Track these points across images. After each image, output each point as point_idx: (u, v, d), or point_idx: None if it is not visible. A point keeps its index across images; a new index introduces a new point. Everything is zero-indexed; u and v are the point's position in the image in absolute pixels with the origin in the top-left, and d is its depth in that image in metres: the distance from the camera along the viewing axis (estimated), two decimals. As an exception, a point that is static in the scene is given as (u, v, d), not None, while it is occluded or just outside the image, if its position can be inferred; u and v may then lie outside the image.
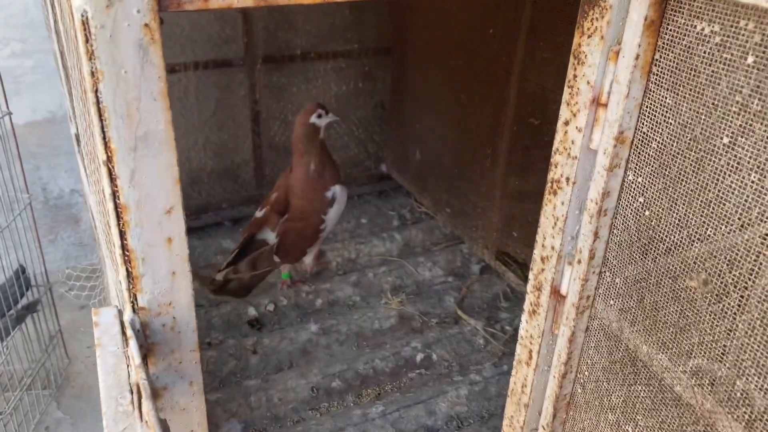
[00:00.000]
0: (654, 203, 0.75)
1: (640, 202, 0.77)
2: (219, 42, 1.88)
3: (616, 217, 0.81)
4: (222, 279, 1.65)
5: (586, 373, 0.92)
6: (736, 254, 0.65)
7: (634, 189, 0.77)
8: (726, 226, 0.66)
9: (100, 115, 0.53)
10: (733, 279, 0.66)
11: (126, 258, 0.60)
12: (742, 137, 0.63)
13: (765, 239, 0.62)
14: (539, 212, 0.90)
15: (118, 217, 0.58)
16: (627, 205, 0.79)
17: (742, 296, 0.65)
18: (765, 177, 0.61)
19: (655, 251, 0.75)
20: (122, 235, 0.59)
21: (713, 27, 0.64)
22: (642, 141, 0.75)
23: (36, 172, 1.87)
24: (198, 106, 1.93)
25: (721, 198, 0.66)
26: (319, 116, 1.63)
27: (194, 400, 0.72)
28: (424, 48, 2.00)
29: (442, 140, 1.99)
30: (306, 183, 1.69)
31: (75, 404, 1.64)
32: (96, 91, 0.52)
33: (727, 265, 0.66)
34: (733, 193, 0.64)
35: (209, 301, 1.79)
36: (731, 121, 0.63)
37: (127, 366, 0.66)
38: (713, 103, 0.65)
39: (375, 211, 2.16)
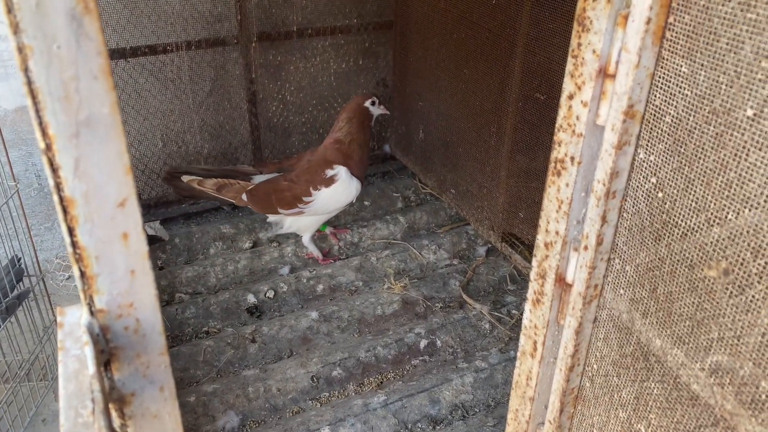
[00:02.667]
0: (668, 184, 0.67)
1: (653, 183, 0.70)
2: (211, 20, 1.80)
3: (625, 200, 0.74)
4: (185, 181, 1.69)
5: (595, 366, 0.86)
6: (761, 240, 0.58)
7: (645, 168, 0.70)
8: (749, 209, 0.59)
9: (34, 98, 0.47)
10: (757, 268, 0.59)
11: (77, 256, 0.55)
12: (767, 108, 0.55)
13: (794, 224, 0.55)
14: (544, 193, 0.83)
15: (65, 211, 0.52)
16: (638, 187, 0.72)
17: (767, 287, 0.58)
18: (795, 154, 0.53)
19: (669, 237, 0.68)
20: (71, 231, 0.53)
21: (736, -17, 0.56)
22: (654, 115, 0.68)
23: (28, 158, 1.82)
24: (192, 87, 1.87)
25: (744, 177, 0.58)
26: (373, 104, 1.70)
27: (166, 405, 0.67)
28: (426, 22, 1.91)
29: (446, 118, 1.91)
30: (320, 153, 1.70)
31: (74, 395, 1.61)
32: (26, 69, 0.46)
33: (751, 252, 0.59)
34: (757, 172, 0.57)
35: (207, 289, 1.75)
36: (756, 91, 0.56)
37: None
38: (735, 71, 0.58)
39: (378, 192, 2.10)
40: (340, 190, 1.65)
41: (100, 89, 0.49)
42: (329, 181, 1.64)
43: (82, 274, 0.56)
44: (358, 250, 1.90)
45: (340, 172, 1.65)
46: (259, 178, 1.72)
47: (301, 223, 1.74)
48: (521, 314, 1.57)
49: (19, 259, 1.47)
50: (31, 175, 1.87)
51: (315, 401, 1.41)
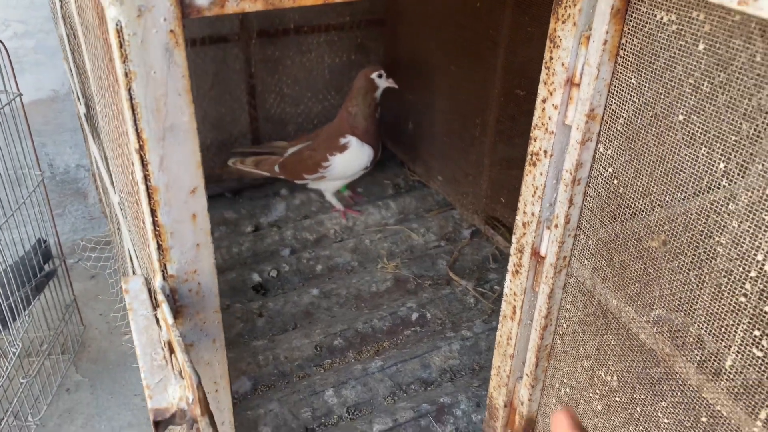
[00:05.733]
0: (621, 173, 0.83)
1: (610, 172, 0.86)
2: (214, 18, 1.92)
3: (588, 186, 0.90)
4: (231, 165, 1.99)
5: (564, 325, 1.02)
6: (690, 218, 0.74)
7: (604, 160, 0.86)
8: (681, 194, 0.75)
9: (133, 110, 0.61)
10: (687, 239, 0.75)
11: (156, 233, 0.69)
12: (694, 115, 0.71)
13: (713, 205, 0.71)
14: (523, 180, 0.99)
15: (150, 197, 0.67)
16: (598, 175, 0.88)
17: (695, 254, 0.75)
18: (713, 151, 0.70)
19: (622, 216, 0.85)
20: (153, 213, 0.68)
21: (671, 16, 0.72)
22: (611, 117, 0.83)
23: (42, 148, 1.94)
24: (195, 81, 1.98)
25: (678, 169, 0.74)
26: (380, 76, 1.84)
27: (217, 355, 0.82)
28: (415, 19, 2.05)
29: (434, 110, 2.06)
30: (335, 124, 1.91)
31: (92, 367, 1.75)
32: (129, 89, 0.60)
33: (683, 227, 0.75)
34: (687, 165, 0.73)
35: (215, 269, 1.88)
36: (685, 101, 0.72)
37: (159, 326, 0.75)
38: (671, 84, 0.74)
39: (370, 180, 2.24)
40: (353, 156, 1.88)
41: (182, 103, 0.63)
42: (342, 148, 1.87)
43: (159, 247, 0.71)
44: (352, 234, 2.05)
45: (351, 140, 1.88)
46: (290, 150, 1.98)
47: (323, 185, 2.00)
48: (502, 288, 1.74)
49: (45, 241, 1.59)
50: (44, 164, 1.98)
51: (319, 367, 1.56)
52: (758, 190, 0.65)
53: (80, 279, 2.01)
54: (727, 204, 0.69)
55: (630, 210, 0.83)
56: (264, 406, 1.42)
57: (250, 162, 2.00)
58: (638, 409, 0.87)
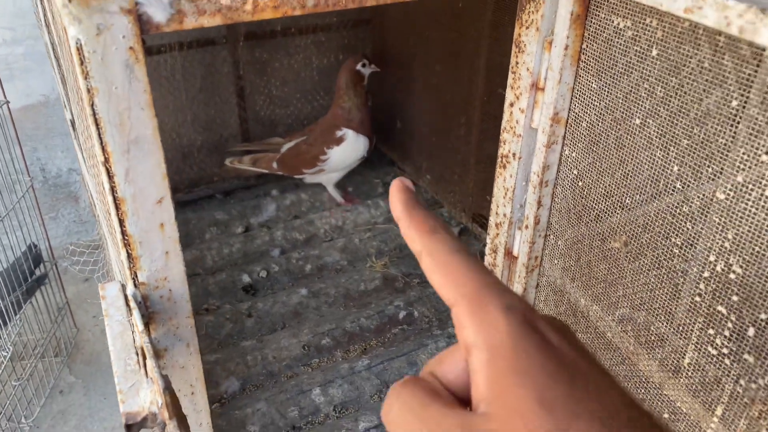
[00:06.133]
0: (585, 175, 0.85)
1: (575, 174, 0.87)
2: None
3: (556, 187, 0.92)
4: (228, 165, 2.04)
5: (538, 324, 1.04)
6: (649, 220, 0.76)
7: (569, 163, 0.88)
8: (640, 196, 0.76)
9: (97, 125, 0.63)
10: (646, 240, 0.77)
11: (126, 242, 0.71)
12: (649, 119, 0.73)
13: (669, 207, 0.73)
14: (493, 183, 1.00)
15: (117, 208, 0.69)
16: (564, 177, 0.89)
17: (654, 255, 0.76)
18: (668, 154, 0.71)
19: (587, 217, 0.86)
20: (121, 222, 0.70)
21: (627, 22, 0.73)
22: (575, 120, 0.85)
23: (33, 153, 1.96)
24: (185, 84, 2.01)
25: (636, 171, 0.76)
26: (364, 65, 1.88)
27: (191, 359, 0.84)
28: (401, 19, 2.06)
29: (421, 109, 2.08)
30: (330, 117, 1.95)
31: (85, 369, 1.77)
32: (92, 104, 0.62)
33: (642, 228, 0.77)
34: (645, 167, 0.75)
35: (205, 270, 1.91)
36: (641, 105, 0.74)
37: (132, 332, 0.77)
38: (628, 89, 0.75)
39: (360, 179, 2.26)
40: (350, 147, 1.93)
41: (145, 117, 0.65)
42: (339, 141, 1.91)
43: (129, 256, 0.73)
44: (342, 233, 2.07)
45: (347, 132, 1.92)
46: (286, 146, 2.01)
47: (323, 178, 2.04)
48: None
49: (36, 246, 1.62)
50: (35, 168, 2.00)
51: (307, 366, 1.59)
52: (709, 193, 0.66)
53: (74, 282, 2.04)
54: (681, 206, 0.70)
55: (594, 211, 0.84)
56: (252, 406, 1.45)
57: (247, 160, 2.04)
58: (606, 405, 0.89)
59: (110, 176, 0.66)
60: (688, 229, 0.70)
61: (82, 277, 2.09)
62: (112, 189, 0.67)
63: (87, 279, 2.09)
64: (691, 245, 0.70)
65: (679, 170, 0.69)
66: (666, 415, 0.78)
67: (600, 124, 0.81)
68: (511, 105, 0.92)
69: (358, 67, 1.90)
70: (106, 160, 0.65)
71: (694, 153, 0.67)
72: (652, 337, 0.79)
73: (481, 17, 1.62)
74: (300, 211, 2.13)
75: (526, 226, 0.96)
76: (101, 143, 0.64)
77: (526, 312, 0.29)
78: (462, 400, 0.31)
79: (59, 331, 1.75)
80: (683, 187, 0.69)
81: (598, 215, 0.84)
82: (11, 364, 1.54)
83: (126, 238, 0.70)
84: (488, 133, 1.77)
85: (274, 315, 1.73)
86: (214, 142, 2.17)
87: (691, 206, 0.69)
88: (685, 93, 0.67)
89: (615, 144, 0.79)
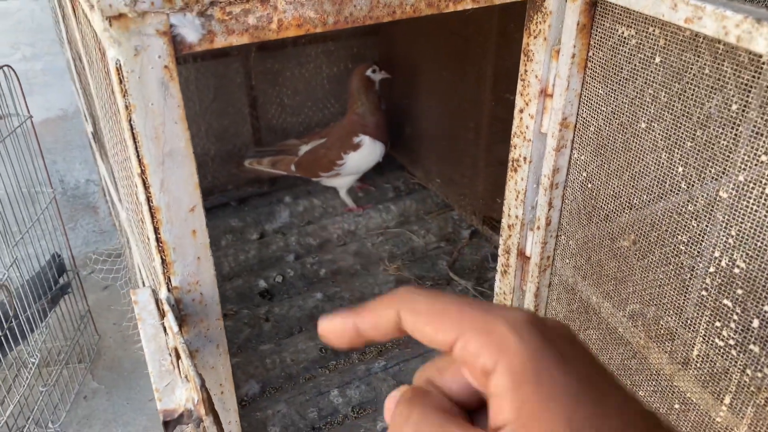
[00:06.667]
0: (594, 177, 0.89)
1: (584, 177, 0.91)
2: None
3: (566, 189, 0.95)
4: (247, 165, 2.09)
5: (551, 321, 1.07)
6: (656, 219, 0.79)
7: (578, 165, 0.91)
8: (647, 196, 0.80)
9: (134, 139, 0.67)
10: (654, 239, 0.80)
11: (160, 248, 0.75)
12: (654, 123, 0.76)
13: (675, 206, 0.76)
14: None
15: (153, 216, 0.73)
16: (574, 179, 0.93)
17: (661, 252, 0.80)
18: (673, 156, 0.75)
19: (597, 217, 0.90)
20: (156, 230, 0.74)
21: (631, 31, 0.77)
22: (583, 125, 0.89)
23: (53, 165, 2.01)
24: (198, 95, 2.06)
25: (643, 173, 0.80)
26: (374, 71, 1.94)
27: (221, 359, 0.88)
28: (409, 27, 2.10)
29: (430, 115, 2.12)
30: (346, 124, 2.00)
31: (108, 375, 1.82)
32: (130, 120, 0.66)
33: (650, 227, 0.80)
34: (651, 169, 0.78)
35: (222, 276, 1.95)
36: (646, 110, 0.77)
37: (166, 334, 0.81)
38: (633, 94, 0.79)
39: (371, 184, 2.30)
40: (367, 153, 1.99)
41: (178, 130, 0.69)
42: (356, 147, 1.98)
43: (163, 261, 0.77)
44: (355, 237, 2.11)
45: (364, 139, 1.98)
46: (304, 148, 2.07)
47: (338, 182, 2.09)
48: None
49: (60, 255, 1.67)
50: (55, 180, 2.06)
51: (324, 369, 1.62)
52: (712, 193, 0.70)
53: (93, 290, 2.08)
54: (687, 205, 0.74)
55: (603, 212, 0.88)
56: (272, 408, 1.48)
57: (266, 162, 2.10)
58: (618, 398, 0.92)
59: (146, 187, 0.71)
60: (693, 226, 0.73)
61: (101, 286, 2.14)
62: (148, 199, 0.71)
63: (106, 287, 2.14)
64: (697, 242, 0.73)
65: (684, 171, 0.73)
66: (677, 406, 0.81)
67: (607, 128, 0.84)
68: (521, 111, 0.95)
69: (368, 72, 1.95)
70: (143, 172, 0.69)
71: (697, 154, 0.71)
72: (662, 331, 0.82)
73: (487, 24, 1.66)
74: (313, 217, 2.18)
75: (538, 227, 1.00)
76: (138, 156, 0.69)
77: (532, 322, 0.29)
78: (463, 409, 0.32)
79: (82, 338, 1.79)
80: (688, 187, 0.73)
81: (608, 215, 0.87)
82: (38, 371, 1.59)
83: (160, 244, 0.75)
84: (497, 136, 1.80)
85: (290, 319, 1.77)
86: (228, 152, 2.21)
87: (696, 205, 0.72)
88: (688, 98, 0.71)
89: (622, 147, 0.82)
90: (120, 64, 0.63)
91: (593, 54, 0.84)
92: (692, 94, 0.70)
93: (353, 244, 2.05)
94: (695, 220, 0.73)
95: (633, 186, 0.82)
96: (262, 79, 2.14)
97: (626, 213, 0.84)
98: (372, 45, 2.27)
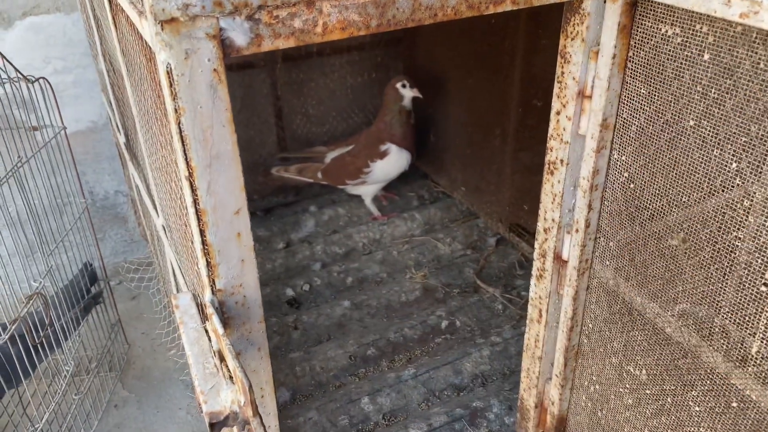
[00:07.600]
0: (637, 177, 0.88)
1: (625, 177, 0.90)
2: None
3: (605, 191, 0.94)
4: (275, 173, 2.13)
5: (590, 325, 1.06)
6: (707, 216, 0.78)
7: (619, 166, 0.90)
8: (697, 193, 0.79)
9: (183, 141, 0.68)
10: (705, 236, 0.79)
11: (205, 251, 0.75)
12: (704, 120, 0.75)
13: (728, 203, 0.75)
14: (545, 187, 1.03)
15: (199, 219, 0.73)
16: (614, 180, 0.92)
17: (714, 250, 0.78)
18: (724, 152, 0.74)
19: (641, 217, 0.89)
20: (202, 233, 0.74)
21: (675, 30, 0.76)
22: (623, 125, 0.88)
23: (82, 176, 2.04)
24: (225, 106, 2.08)
25: (692, 170, 0.78)
26: (404, 86, 1.98)
27: (262, 362, 0.88)
28: (432, 36, 2.11)
29: (454, 123, 2.12)
30: (374, 132, 2.04)
31: (137, 384, 1.82)
32: (179, 123, 0.67)
33: (701, 225, 0.79)
34: (700, 166, 0.77)
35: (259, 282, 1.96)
36: (695, 107, 0.76)
37: (208, 337, 0.81)
38: (679, 92, 0.78)
39: (395, 193, 2.30)
40: (393, 161, 2.02)
41: (226, 133, 0.70)
42: (383, 155, 2.00)
43: (208, 264, 0.77)
44: (380, 246, 2.11)
45: (391, 147, 2.01)
46: (330, 155, 2.10)
47: (363, 190, 2.12)
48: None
49: (91, 264, 1.68)
50: (84, 191, 2.08)
51: (354, 376, 1.61)
52: None
53: (122, 300, 2.10)
54: (743, 201, 0.72)
55: (648, 211, 0.87)
56: (303, 415, 1.48)
57: (293, 170, 2.13)
58: (669, 399, 0.90)
59: (193, 189, 0.71)
60: (750, 222, 0.72)
61: (130, 295, 2.16)
62: (195, 201, 0.72)
63: (134, 297, 2.15)
64: (754, 238, 0.72)
65: (737, 167, 0.71)
66: (734, 404, 0.79)
67: (650, 127, 0.83)
68: (558, 113, 0.95)
69: (398, 85, 1.98)
70: (190, 174, 0.70)
71: (752, 149, 0.69)
72: (716, 330, 0.81)
73: (514, 30, 1.66)
74: (338, 226, 2.18)
75: (576, 230, 0.99)
76: (186, 159, 0.69)
77: None
78: None
79: (112, 347, 1.80)
80: (743, 183, 0.71)
81: (653, 215, 0.86)
82: (71, 379, 1.60)
83: (206, 247, 0.75)
84: (524, 143, 1.79)
85: (319, 327, 1.77)
86: (254, 161, 2.23)
87: (752, 200, 0.71)
88: (741, 93, 0.69)
89: (667, 145, 0.81)
90: (170, 68, 0.64)
91: (633, 54, 0.83)
92: (745, 90, 0.69)
93: (379, 252, 2.05)
94: (752, 215, 0.71)
95: (681, 184, 0.80)
96: (288, 89, 2.16)
97: (674, 211, 0.82)
98: (395, 55, 2.28)
